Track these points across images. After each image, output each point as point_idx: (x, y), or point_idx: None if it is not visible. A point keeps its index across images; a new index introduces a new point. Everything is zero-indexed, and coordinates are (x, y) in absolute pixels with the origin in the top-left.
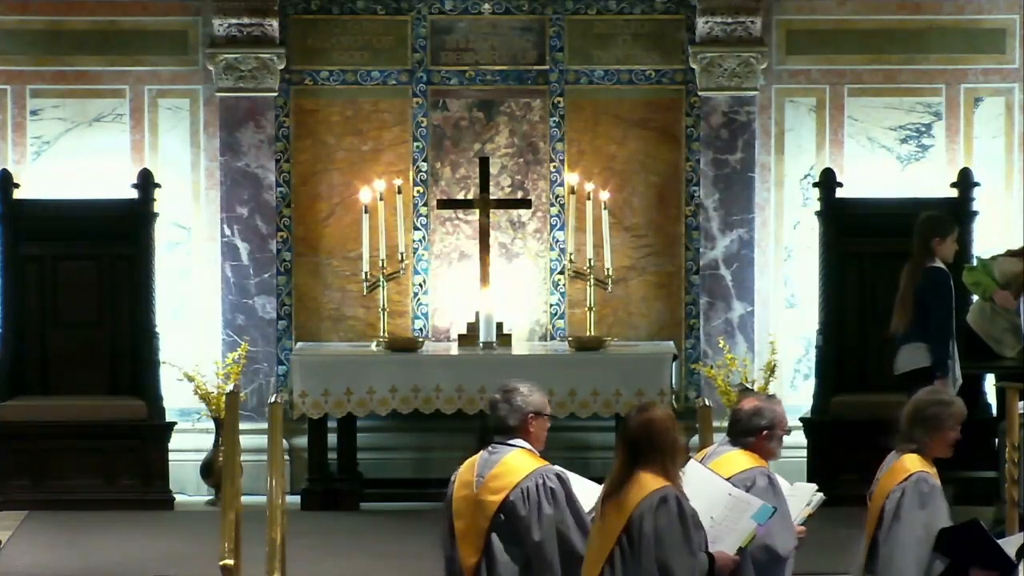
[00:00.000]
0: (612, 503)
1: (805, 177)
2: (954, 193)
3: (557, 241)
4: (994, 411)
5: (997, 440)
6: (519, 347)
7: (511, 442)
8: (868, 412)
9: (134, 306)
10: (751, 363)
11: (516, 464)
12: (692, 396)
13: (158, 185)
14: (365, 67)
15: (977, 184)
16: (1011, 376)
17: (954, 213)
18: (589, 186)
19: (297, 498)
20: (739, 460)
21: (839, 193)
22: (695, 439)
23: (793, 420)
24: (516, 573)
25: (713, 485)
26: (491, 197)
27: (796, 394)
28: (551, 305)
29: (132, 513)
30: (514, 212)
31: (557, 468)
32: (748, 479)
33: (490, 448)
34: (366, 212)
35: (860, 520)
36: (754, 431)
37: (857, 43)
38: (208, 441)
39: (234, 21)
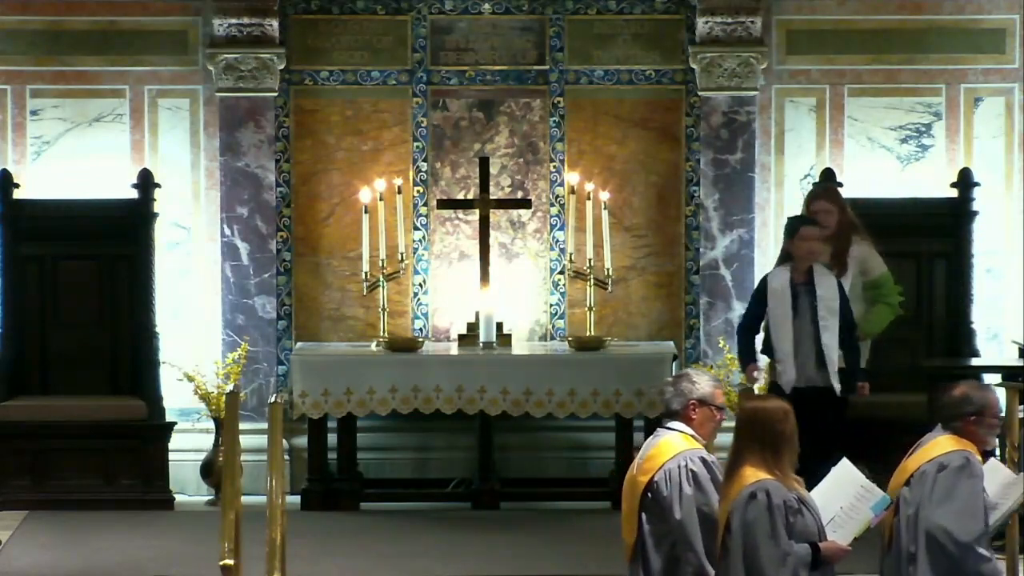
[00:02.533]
0: (723, 496)
1: (805, 177)
2: (954, 193)
3: (557, 241)
4: None
5: (997, 440)
6: (519, 347)
7: (671, 425)
8: (868, 412)
9: (134, 306)
10: None
11: (667, 446)
12: None
13: (158, 185)
14: (365, 67)
15: (977, 184)
16: (1011, 376)
17: (954, 213)
18: (589, 186)
19: (297, 498)
20: (944, 443)
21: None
22: None
23: None
24: (664, 552)
25: (850, 477)
26: (491, 197)
27: None
28: (551, 305)
29: (132, 513)
30: (514, 212)
31: (704, 453)
32: (946, 460)
33: (656, 431)
34: (366, 212)
35: None
36: (960, 417)
37: (857, 43)
38: (208, 441)
39: (234, 21)
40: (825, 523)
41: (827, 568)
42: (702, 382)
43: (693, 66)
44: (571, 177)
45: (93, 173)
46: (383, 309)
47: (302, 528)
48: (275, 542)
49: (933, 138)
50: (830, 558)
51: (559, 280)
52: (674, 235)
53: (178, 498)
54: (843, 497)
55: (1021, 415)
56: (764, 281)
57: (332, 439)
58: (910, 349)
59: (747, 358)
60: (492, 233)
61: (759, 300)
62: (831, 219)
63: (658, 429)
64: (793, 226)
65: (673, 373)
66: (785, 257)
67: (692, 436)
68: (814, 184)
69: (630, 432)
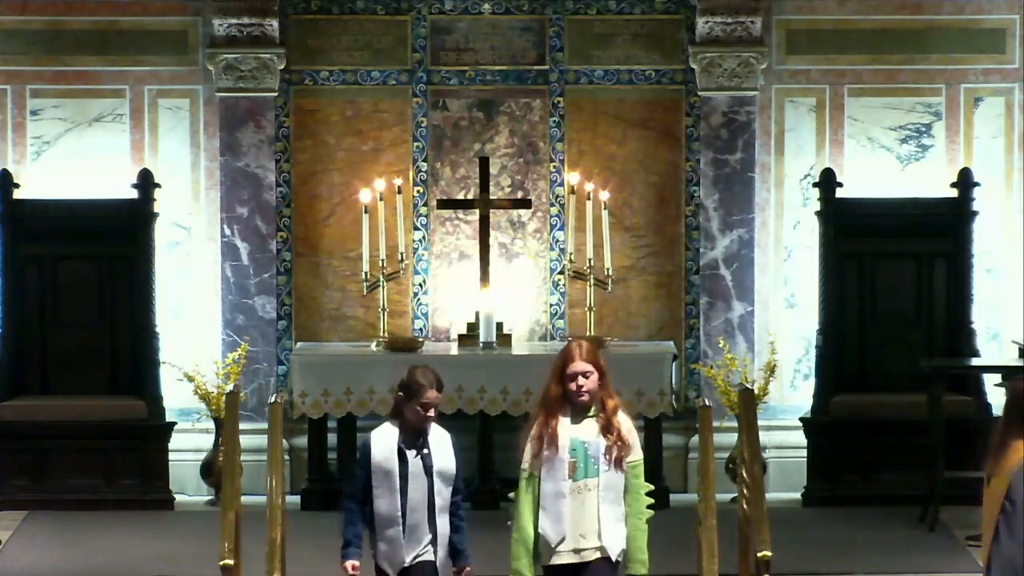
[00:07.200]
0: (996, 468)
1: (805, 177)
2: (954, 193)
3: (557, 241)
4: (995, 411)
5: None
6: (519, 347)
7: None
8: (868, 412)
9: (134, 306)
10: (751, 363)
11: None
12: (692, 396)
13: (158, 185)
14: (365, 67)
15: (977, 184)
16: (1011, 376)
17: (954, 213)
18: (589, 186)
19: (297, 498)
20: None
21: (839, 193)
22: (695, 439)
23: (793, 420)
24: None
25: None
26: (491, 197)
27: (796, 394)
28: (551, 305)
29: (132, 513)
30: (514, 212)
31: None
32: None
33: None
34: (366, 212)
35: (860, 520)
36: None
37: (857, 43)
38: (208, 441)
39: (234, 21)
40: None
41: None
42: None
43: (693, 66)
44: (571, 177)
45: (93, 173)
46: (383, 309)
47: (302, 528)
48: (275, 542)
49: (933, 138)
50: None
51: (559, 280)
52: (674, 235)
53: (178, 498)
54: None
55: None
56: (367, 443)
57: (332, 439)
58: (910, 349)
59: (350, 547)
60: (492, 233)
61: (365, 465)
62: (591, 382)
63: None
64: (414, 388)
65: (672, 373)
66: (396, 412)
67: None
68: (572, 338)
69: None
